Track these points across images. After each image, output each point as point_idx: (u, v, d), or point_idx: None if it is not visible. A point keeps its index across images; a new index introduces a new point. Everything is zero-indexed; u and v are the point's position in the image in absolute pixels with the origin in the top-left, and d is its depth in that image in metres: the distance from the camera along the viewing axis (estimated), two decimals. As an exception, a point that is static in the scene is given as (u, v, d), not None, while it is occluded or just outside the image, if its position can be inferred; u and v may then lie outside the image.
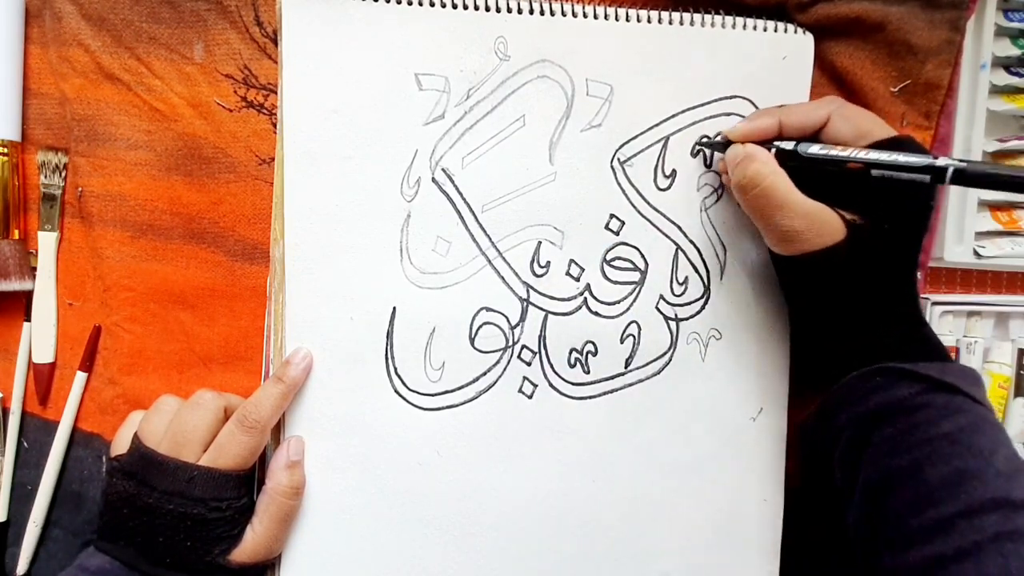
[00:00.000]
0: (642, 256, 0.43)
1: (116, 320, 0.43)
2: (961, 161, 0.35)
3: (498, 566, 0.42)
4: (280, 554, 0.39)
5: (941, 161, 0.35)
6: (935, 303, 0.50)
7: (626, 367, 0.43)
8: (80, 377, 0.44)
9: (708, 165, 0.43)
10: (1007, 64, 0.49)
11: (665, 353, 0.43)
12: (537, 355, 0.42)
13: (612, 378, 0.43)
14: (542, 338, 0.42)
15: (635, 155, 0.42)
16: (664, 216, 0.43)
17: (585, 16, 0.41)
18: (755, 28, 0.42)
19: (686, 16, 0.42)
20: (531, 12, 0.40)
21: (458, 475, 0.41)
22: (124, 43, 0.41)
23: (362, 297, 0.40)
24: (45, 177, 0.43)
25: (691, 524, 0.44)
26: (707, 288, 0.44)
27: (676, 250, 0.43)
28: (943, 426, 0.34)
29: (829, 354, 0.40)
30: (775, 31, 0.43)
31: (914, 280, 0.39)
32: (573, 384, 0.42)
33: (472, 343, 0.41)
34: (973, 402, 0.36)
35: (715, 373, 0.44)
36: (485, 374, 0.41)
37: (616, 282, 0.42)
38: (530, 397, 0.42)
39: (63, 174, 0.44)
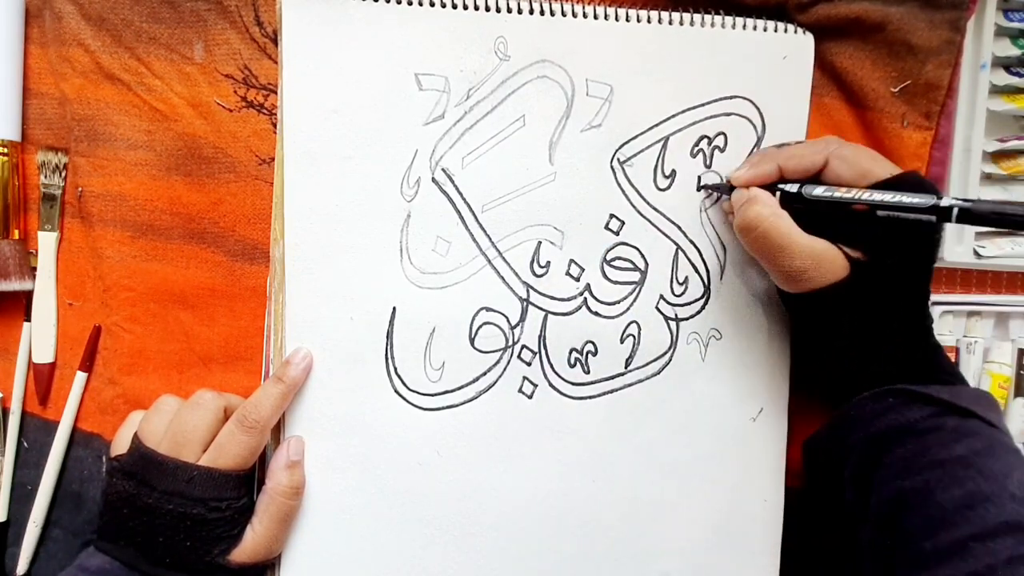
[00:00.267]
0: (642, 256, 0.43)
1: (116, 320, 0.43)
2: (966, 201, 0.35)
3: (498, 566, 0.42)
4: (280, 554, 0.39)
5: (945, 202, 0.35)
6: (935, 303, 0.50)
7: (626, 367, 0.43)
8: (80, 377, 0.44)
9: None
10: (1007, 64, 0.49)
11: (665, 353, 0.43)
12: (537, 355, 0.42)
13: (612, 378, 0.43)
14: (542, 338, 0.42)
15: (635, 155, 0.42)
16: (664, 216, 0.43)
17: (585, 16, 0.41)
18: (755, 28, 0.42)
19: (686, 16, 0.42)
20: (531, 12, 0.40)
21: (458, 475, 0.41)
22: (124, 43, 0.41)
23: (362, 297, 0.40)
24: (45, 177, 0.43)
25: (691, 524, 0.44)
26: (707, 288, 0.44)
27: (676, 250, 0.43)
28: (955, 449, 0.35)
29: (839, 374, 0.40)
30: (775, 31, 0.43)
31: (926, 307, 0.39)
32: (573, 384, 0.42)
33: (472, 343, 0.41)
34: (987, 425, 0.36)
35: (715, 373, 0.44)
36: (485, 374, 0.41)
37: (616, 282, 0.42)
38: (530, 397, 0.42)
39: (63, 174, 0.44)
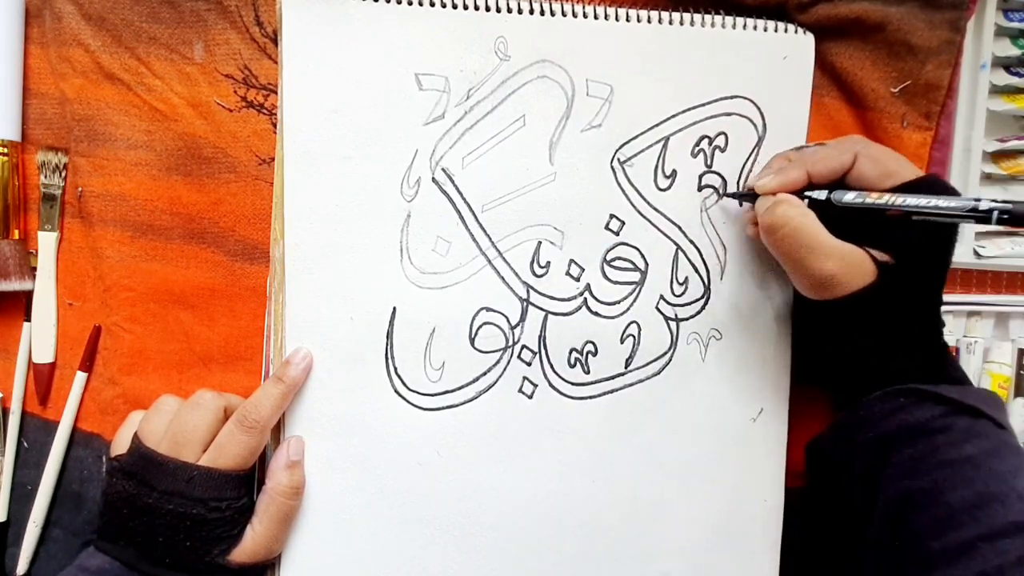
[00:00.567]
0: (642, 256, 0.43)
1: (116, 320, 0.43)
2: (1005, 203, 0.34)
3: (498, 566, 0.42)
4: (280, 554, 0.39)
5: (984, 205, 0.35)
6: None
7: (626, 367, 0.43)
8: (80, 377, 0.44)
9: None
10: (1007, 64, 0.49)
11: (665, 353, 0.43)
12: (537, 355, 0.42)
13: (612, 378, 0.43)
14: (542, 338, 0.42)
15: (635, 155, 0.42)
16: (664, 216, 0.43)
17: (585, 16, 0.41)
18: (755, 28, 0.42)
19: (686, 16, 0.42)
20: (531, 12, 0.40)
21: (458, 475, 0.41)
22: (124, 43, 0.41)
23: (362, 297, 0.39)
24: (45, 177, 0.43)
25: (691, 524, 0.44)
26: (707, 288, 0.44)
27: (676, 250, 0.43)
28: (965, 449, 0.35)
29: (849, 374, 0.40)
30: (775, 31, 0.43)
31: (939, 307, 0.39)
32: (573, 384, 0.42)
33: (472, 343, 0.41)
34: (996, 426, 0.36)
35: (715, 373, 0.44)
36: (485, 374, 0.41)
37: (616, 282, 0.42)
38: (530, 397, 0.42)
39: (63, 174, 0.44)
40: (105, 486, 0.37)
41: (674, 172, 0.43)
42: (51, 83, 0.43)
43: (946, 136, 0.46)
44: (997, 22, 0.48)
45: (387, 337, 0.40)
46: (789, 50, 0.43)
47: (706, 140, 0.43)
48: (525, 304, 0.41)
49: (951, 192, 0.37)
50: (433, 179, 0.40)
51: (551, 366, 0.42)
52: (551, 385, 0.42)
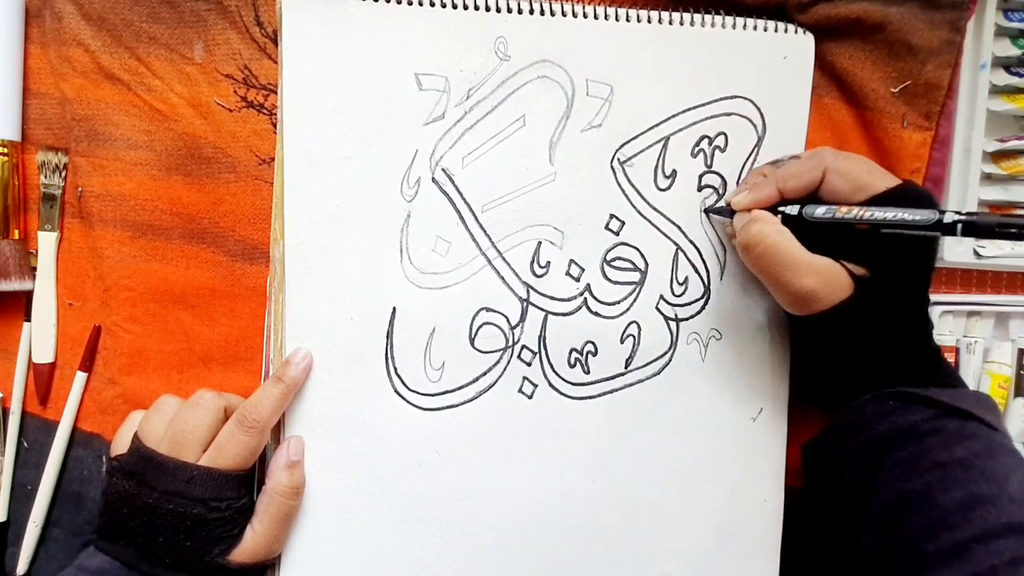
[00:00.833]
0: (642, 256, 0.43)
1: (116, 320, 0.43)
2: (969, 215, 0.35)
3: (498, 566, 0.42)
4: (280, 554, 0.39)
5: (948, 217, 0.35)
6: (935, 303, 0.50)
7: (626, 367, 0.43)
8: (80, 377, 0.44)
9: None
10: (1007, 64, 0.49)
11: (665, 353, 0.43)
12: (537, 355, 0.42)
13: (612, 378, 0.43)
14: (542, 338, 0.42)
15: (635, 155, 0.42)
16: (664, 216, 0.43)
17: (585, 16, 0.41)
18: (755, 28, 0.42)
19: (686, 16, 0.42)
20: (531, 12, 0.40)
21: (458, 475, 0.41)
22: (124, 43, 0.41)
23: (362, 297, 0.40)
24: (45, 177, 0.43)
25: (691, 524, 0.44)
26: (707, 288, 0.44)
27: (676, 250, 0.43)
28: (956, 451, 0.35)
29: (839, 379, 0.40)
30: (775, 31, 0.43)
31: (926, 313, 0.39)
32: (573, 384, 0.42)
33: (472, 343, 0.41)
34: (987, 428, 0.36)
35: (715, 373, 0.44)
36: (485, 374, 0.41)
37: (616, 282, 0.42)
38: (530, 397, 0.42)
39: (63, 174, 0.44)
40: (105, 486, 0.37)
41: (674, 172, 0.43)
42: (51, 83, 0.43)
43: (946, 136, 0.46)
44: (997, 22, 0.48)
45: (387, 337, 0.40)
46: (789, 50, 0.43)
47: (706, 140, 0.43)
48: (525, 304, 0.41)
49: (926, 200, 0.37)
50: (433, 179, 0.40)
51: (551, 366, 0.42)
52: (551, 385, 0.42)
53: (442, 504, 0.41)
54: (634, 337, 0.43)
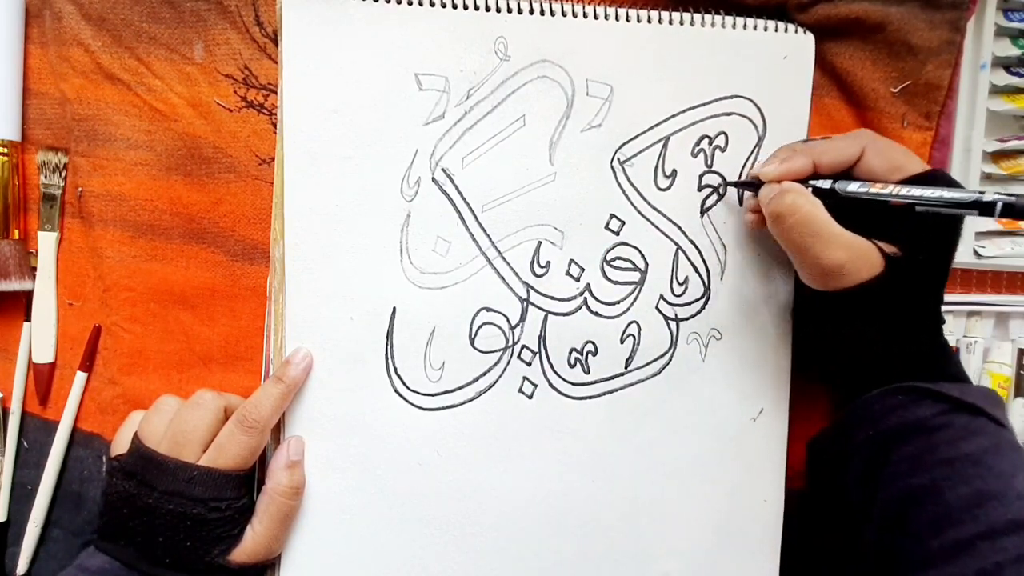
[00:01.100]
0: (642, 256, 0.43)
1: (116, 320, 0.43)
2: (1009, 195, 0.34)
3: (498, 566, 0.42)
4: (280, 554, 0.39)
5: (988, 196, 0.34)
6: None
7: (626, 367, 0.43)
8: (80, 377, 0.44)
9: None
10: (1007, 64, 0.49)
11: (665, 353, 0.43)
12: (537, 355, 0.42)
13: (612, 378, 0.43)
14: (542, 338, 0.42)
15: (635, 155, 0.42)
16: (664, 216, 0.43)
17: (585, 16, 0.41)
18: (755, 28, 0.42)
19: (686, 16, 0.42)
20: (531, 12, 0.40)
21: (458, 475, 0.41)
22: (124, 43, 0.41)
23: (362, 297, 0.39)
24: (45, 177, 0.43)
25: (691, 524, 0.44)
26: (707, 288, 0.44)
27: (676, 250, 0.43)
28: (963, 447, 0.34)
29: (848, 371, 0.40)
30: (775, 31, 0.43)
31: (940, 306, 0.39)
32: (573, 384, 0.42)
33: (472, 343, 0.41)
34: (995, 424, 0.36)
35: (715, 373, 0.44)
36: (485, 374, 0.41)
37: (616, 282, 0.42)
38: (530, 397, 0.42)
39: (63, 174, 0.44)
40: (105, 486, 0.37)
41: (674, 172, 0.43)
42: (51, 83, 0.43)
43: (946, 136, 0.46)
44: (997, 22, 0.48)
45: (387, 337, 0.40)
46: (789, 50, 0.43)
47: (706, 140, 0.43)
48: (525, 304, 0.41)
49: (956, 186, 0.37)
50: (433, 179, 0.40)
51: (551, 366, 0.42)
52: (551, 385, 0.42)
53: (442, 504, 0.41)
54: (634, 337, 0.43)
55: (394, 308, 0.40)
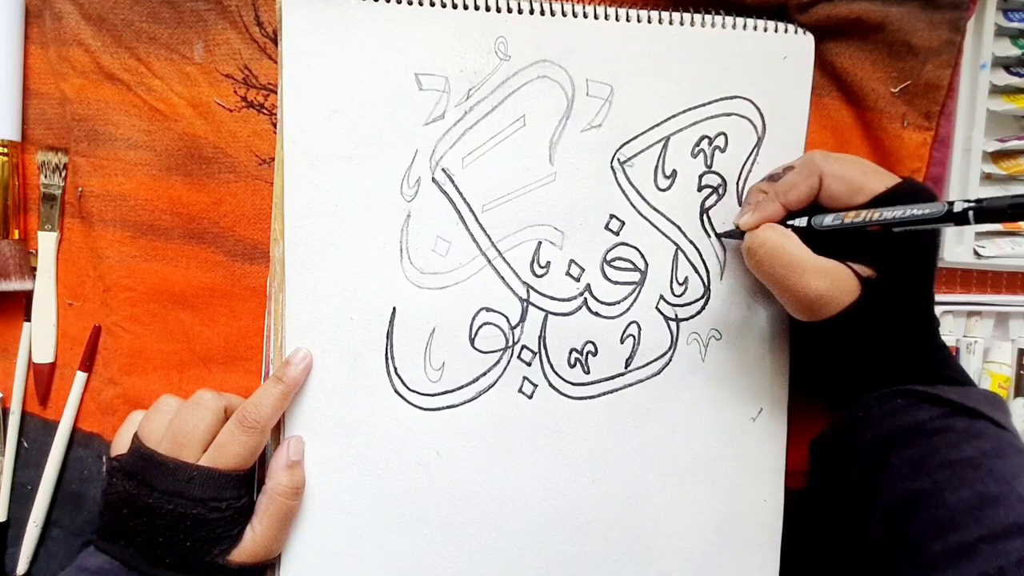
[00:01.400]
0: (642, 256, 0.43)
1: (116, 320, 0.43)
2: (979, 200, 0.34)
3: (498, 566, 0.42)
4: (280, 554, 0.39)
5: (958, 206, 0.34)
6: (935, 303, 0.49)
7: (626, 367, 0.43)
8: (80, 377, 0.44)
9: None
10: (1007, 64, 0.49)
11: (665, 353, 0.43)
12: (537, 355, 0.42)
13: (612, 378, 0.43)
14: (542, 338, 0.42)
15: (635, 155, 0.42)
16: (664, 216, 0.43)
17: (585, 16, 0.41)
18: (755, 28, 0.42)
19: (686, 16, 0.42)
20: (531, 12, 0.40)
21: (458, 475, 0.41)
22: (124, 43, 0.41)
23: (362, 297, 0.40)
24: (45, 177, 0.43)
25: (691, 524, 0.44)
26: (707, 288, 0.44)
27: (676, 250, 0.43)
28: (964, 450, 0.34)
29: (846, 378, 0.40)
30: (775, 31, 0.43)
31: (931, 309, 0.39)
32: (573, 384, 0.42)
33: (472, 343, 0.41)
34: (996, 427, 0.35)
35: (715, 373, 0.44)
36: (485, 374, 0.41)
37: (616, 282, 0.42)
38: (530, 397, 0.42)
39: (63, 174, 0.44)
40: (105, 486, 0.37)
41: (674, 172, 0.43)
42: (51, 83, 0.43)
43: (946, 136, 0.46)
44: (997, 22, 0.48)
45: (387, 337, 0.40)
46: (789, 50, 0.43)
47: (706, 140, 0.43)
48: (525, 304, 0.41)
49: (927, 195, 0.37)
50: (433, 179, 0.40)
51: (551, 366, 0.42)
52: (551, 385, 0.42)
53: (442, 504, 0.41)
54: (634, 337, 0.43)
55: (394, 308, 0.40)
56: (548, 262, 0.41)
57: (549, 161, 0.41)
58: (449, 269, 0.40)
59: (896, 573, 0.35)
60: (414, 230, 0.40)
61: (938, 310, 0.49)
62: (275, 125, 0.42)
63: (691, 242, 0.43)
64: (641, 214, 0.42)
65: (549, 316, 0.42)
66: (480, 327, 0.41)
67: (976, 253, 0.49)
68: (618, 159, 0.42)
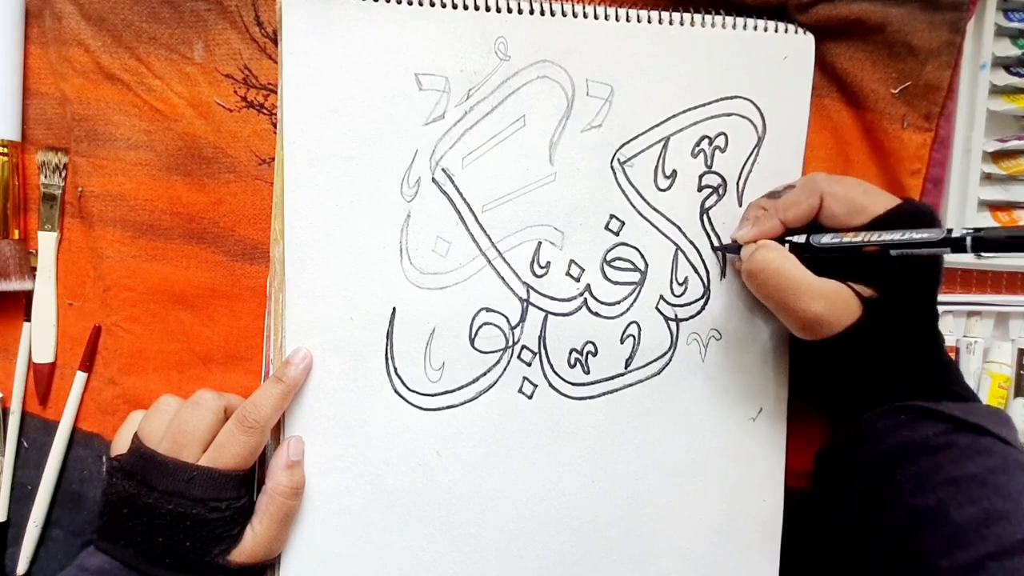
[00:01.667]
0: (642, 256, 0.43)
1: (116, 320, 0.43)
2: (977, 230, 0.34)
3: (498, 566, 0.42)
4: (280, 554, 0.39)
5: (957, 232, 0.34)
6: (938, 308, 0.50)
7: (626, 367, 0.43)
8: (80, 377, 0.44)
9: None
10: (1007, 64, 0.49)
11: (665, 353, 0.43)
12: (537, 355, 0.42)
13: (612, 378, 0.43)
14: (542, 338, 0.42)
15: (635, 155, 0.42)
16: (664, 216, 0.43)
17: (585, 16, 0.41)
18: (755, 28, 0.42)
19: (686, 16, 0.42)
20: (531, 12, 0.40)
21: (458, 475, 0.41)
22: (124, 43, 0.41)
23: (362, 297, 0.40)
24: (45, 177, 0.43)
25: (691, 524, 0.44)
26: (707, 288, 0.44)
27: (676, 250, 0.43)
28: (968, 467, 0.34)
29: (848, 396, 0.40)
30: (775, 31, 0.43)
31: (936, 327, 0.38)
32: (573, 384, 0.42)
33: (472, 343, 0.41)
34: (1002, 443, 0.35)
35: (715, 373, 0.44)
36: (485, 374, 0.41)
37: (616, 282, 0.42)
38: (530, 397, 0.42)
39: (63, 174, 0.44)
40: (105, 486, 0.37)
41: (674, 172, 0.43)
42: (51, 83, 0.43)
43: (946, 137, 0.46)
44: (997, 22, 0.48)
45: (387, 337, 0.40)
46: (789, 50, 0.43)
47: (706, 140, 0.43)
48: (525, 304, 0.41)
49: (929, 216, 0.37)
50: (433, 179, 0.40)
51: (551, 366, 0.42)
52: (551, 385, 0.42)
53: (442, 504, 0.41)
54: (634, 337, 0.43)
55: (394, 308, 0.40)
56: (548, 262, 0.41)
57: (549, 161, 0.41)
58: (449, 269, 0.40)
59: None
60: (414, 230, 0.40)
61: (939, 310, 0.50)
62: (275, 125, 0.42)
63: (691, 242, 0.43)
64: (641, 214, 0.42)
65: (549, 316, 0.42)
66: (480, 327, 0.41)
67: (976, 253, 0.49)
68: (618, 159, 0.42)
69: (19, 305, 0.44)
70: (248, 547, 0.36)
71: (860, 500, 0.37)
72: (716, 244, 0.43)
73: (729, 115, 0.43)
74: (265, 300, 0.43)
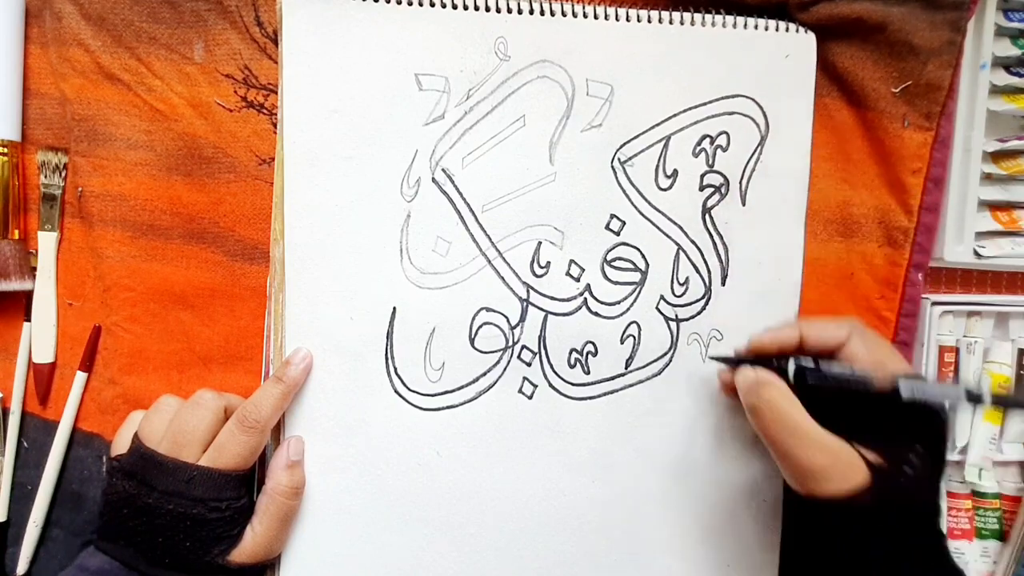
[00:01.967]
0: (643, 256, 0.43)
1: (116, 320, 0.43)
2: (997, 396, 0.34)
3: (498, 566, 0.42)
4: (280, 554, 0.39)
5: (975, 390, 0.34)
6: (935, 303, 0.49)
7: (626, 367, 0.43)
8: (80, 377, 0.44)
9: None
10: (1007, 64, 0.49)
11: (666, 354, 0.43)
12: (537, 355, 0.42)
13: (612, 378, 0.43)
14: (542, 338, 0.42)
15: (636, 155, 0.42)
16: (665, 216, 0.43)
17: (585, 16, 0.41)
18: (756, 27, 0.42)
19: (687, 16, 0.42)
20: (531, 12, 0.40)
21: (458, 475, 0.41)
22: (124, 43, 0.41)
23: (362, 297, 0.39)
24: (45, 177, 0.43)
25: (691, 524, 0.44)
26: (708, 289, 0.44)
27: (677, 250, 0.43)
28: None
29: (844, 560, 0.36)
30: (776, 30, 0.43)
31: (937, 514, 0.36)
32: (573, 384, 0.42)
33: (472, 343, 0.41)
34: None
35: (716, 374, 0.44)
36: (485, 374, 0.41)
37: (616, 282, 0.42)
38: (530, 397, 0.42)
39: (63, 174, 0.44)
40: (105, 486, 0.37)
41: (675, 172, 0.43)
42: (51, 83, 0.43)
43: (946, 136, 0.46)
44: (997, 22, 0.48)
45: (387, 337, 0.40)
46: (791, 49, 0.43)
47: (708, 139, 0.43)
48: (525, 304, 0.41)
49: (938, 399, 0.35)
50: (433, 179, 0.40)
51: (551, 366, 0.42)
52: (551, 385, 0.42)
53: (442, 504, 0.41)
54: (634, 337, 0.43)
55: (394, 308, 0.40)
56: (548, 262, 0.41)
57: (549, 161, 0.41)
58: (449, 269, 0.40)
59: None
60: (414, 230, 0.40)
61: (938, 310, 0.50)
62: (275, 125, 0.42)
63: (692, 242, 0.43)
64: (642, 214, 0.42)
65: (549, 316, 0.42)
66: (480, 327, 0.41)
67: (976, 253, 0.49)
68: (618, 159, 0.42)
69: (19, 305, 0.44)
70: (248, 547, 0.36)
71: None
72: (712, 356, 0.43)
73: (731, 114, 0.43)
74: (265, 300, 0.43)
